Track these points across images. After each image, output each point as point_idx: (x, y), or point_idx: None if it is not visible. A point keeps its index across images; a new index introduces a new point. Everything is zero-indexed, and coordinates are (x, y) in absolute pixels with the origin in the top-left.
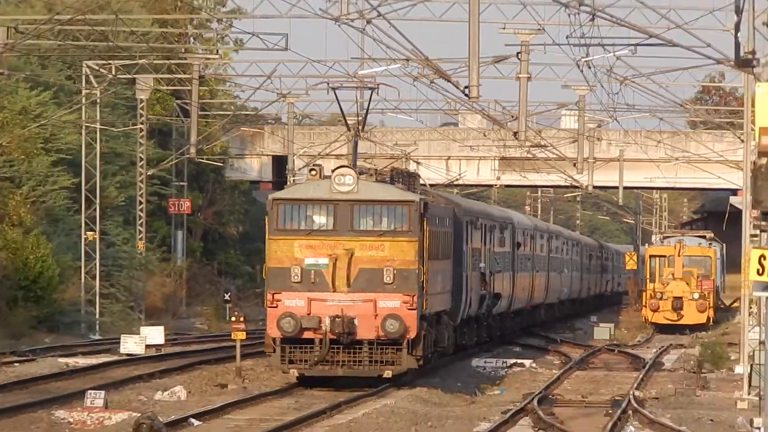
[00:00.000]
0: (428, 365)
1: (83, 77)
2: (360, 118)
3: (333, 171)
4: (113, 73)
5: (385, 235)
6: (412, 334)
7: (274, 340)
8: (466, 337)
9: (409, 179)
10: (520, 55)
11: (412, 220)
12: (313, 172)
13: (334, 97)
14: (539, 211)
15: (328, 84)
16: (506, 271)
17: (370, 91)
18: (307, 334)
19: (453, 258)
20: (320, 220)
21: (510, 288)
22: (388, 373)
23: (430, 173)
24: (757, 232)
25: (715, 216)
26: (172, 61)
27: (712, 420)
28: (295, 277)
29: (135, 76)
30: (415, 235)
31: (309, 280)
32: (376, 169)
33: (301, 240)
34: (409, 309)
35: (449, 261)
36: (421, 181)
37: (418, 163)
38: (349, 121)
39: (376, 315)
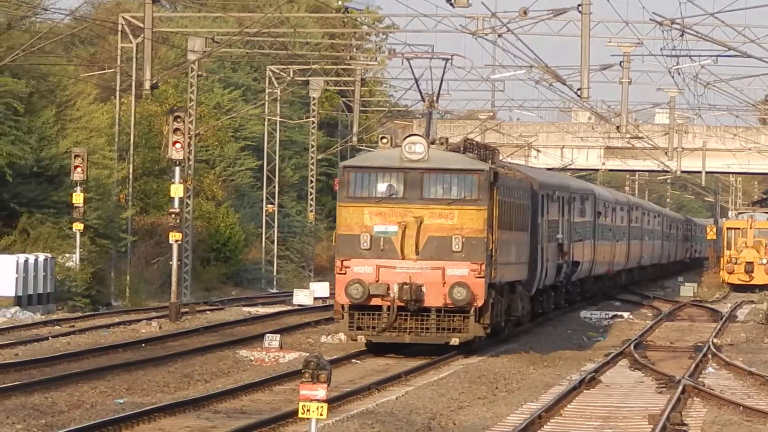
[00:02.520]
0: (502, 333)
1: (267, 79)
2: (432, 91)
3: (404, 139)
4: (291, 75)
5: (454, 204)
6: (479, 302)
7: (342, 306)
8: (543, 305)
9: (484, 151)
10: (622, 63)
11: (482, 189)
12: (384, 140)
13: (410, 69)
14: (636, 192)
15: (402, 55)
16: (587, 240)
17: (444, 62)
18: (375, 301)
19: (529, 230)
20: (390, 187)
21: (591, 255)
22: (455, 341)
23: (548, 159)
24: None
25: None
26: (339, 67)
27: None
28: (365, 244)
29: (309, 78)
30: (484, 203)
31: (378, 248)
32: (447, 138)
33: (371, 207)
34: (477, 277)
35: (525, 233)
36: (501, 156)
37: (538, 150)
38: (425, 93)
39: (444, 283)
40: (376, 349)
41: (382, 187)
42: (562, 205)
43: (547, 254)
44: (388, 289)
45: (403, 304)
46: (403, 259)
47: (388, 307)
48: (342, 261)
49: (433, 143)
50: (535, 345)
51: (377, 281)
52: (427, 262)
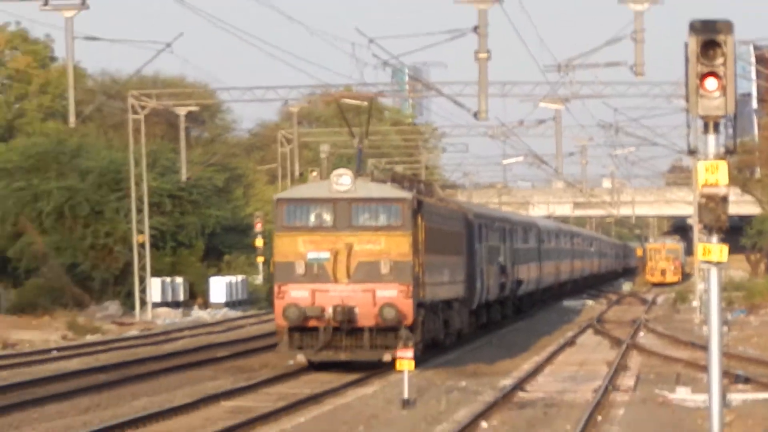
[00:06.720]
0: (446, 342)
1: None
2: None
3: (332, 172)
4: (381, 166)
5: (380, 230)
6: (408, 321)
7: (282, 328)
8: (492, 315)
9: (417, 184)
10: (581, 152)
11: (405, 216)
12: (314, 174)
13: (341, 111)
14: (594, 227)
15: (332, 95)
16: (532, 262)
17: (369, 103)
18: (311, 323)
19: (466, 254)
20: (321, 217)
21: (537, 273)
22: (387, 357)
23: (539, 211)
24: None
25: (682, 228)
26: (411, 158)
27: (682, 329)
28: (300, 270)
29: (391, 167)
30: (408, 229)
31: (312, 273)
32: (373, 171)
33: (305, 236)
34: (405, 297)
35: (460, 256)
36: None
37: (533, 206)
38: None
39: (375, 303)
40: (317, 366)
41: (313, 217)
42: (503, 234)
43: (488, 275)
44: (323, 311)
45: (337, 325)
46: (336, 282)
47: (324, 327)
48: (279, 286)
49: (359, 176)
50: (537, 324)
51: (313, 304)
52: (358, 285)
